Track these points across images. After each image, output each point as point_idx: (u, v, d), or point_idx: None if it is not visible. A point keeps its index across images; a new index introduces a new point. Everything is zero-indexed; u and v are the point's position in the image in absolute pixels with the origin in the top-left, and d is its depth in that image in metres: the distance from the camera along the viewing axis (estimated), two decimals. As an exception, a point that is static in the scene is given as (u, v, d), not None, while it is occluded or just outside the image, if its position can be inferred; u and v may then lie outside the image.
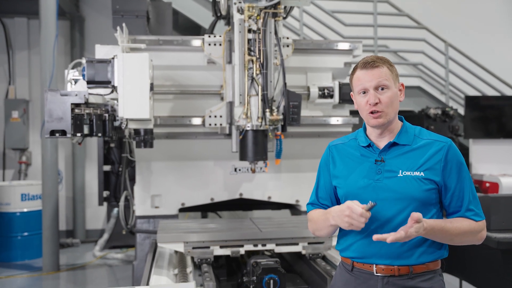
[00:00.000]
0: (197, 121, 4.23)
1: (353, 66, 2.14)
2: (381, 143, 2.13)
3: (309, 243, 3.56)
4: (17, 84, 8.66)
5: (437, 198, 2.08)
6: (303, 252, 3.58)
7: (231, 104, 4.01)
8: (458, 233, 2.01)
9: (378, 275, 2.06)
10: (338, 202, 2.25)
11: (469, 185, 2.07)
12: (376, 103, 2.04)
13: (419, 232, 1.89)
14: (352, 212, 1.92)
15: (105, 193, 6.09)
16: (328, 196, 2.26)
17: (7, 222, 7.32)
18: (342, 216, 1.96)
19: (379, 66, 2.06)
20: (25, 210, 7.39)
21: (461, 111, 8.38)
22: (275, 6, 3.78)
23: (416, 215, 1.87)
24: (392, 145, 2.10)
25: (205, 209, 5.01)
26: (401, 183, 2.03)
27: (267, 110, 3.77)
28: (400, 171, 2.05)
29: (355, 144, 2.20)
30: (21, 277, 6.52)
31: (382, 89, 2.05)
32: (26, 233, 7.38)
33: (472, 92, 8.88)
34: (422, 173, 2.03)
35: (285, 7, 4.14)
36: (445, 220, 2.04)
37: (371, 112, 2.05)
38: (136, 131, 3.97)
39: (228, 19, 4.30)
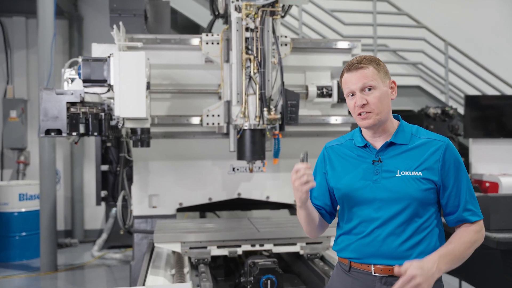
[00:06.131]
0: (194, 120, 4.20)
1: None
2: (378, 143, 2.10)
3: (307, 243, 3.54)
4: (15, 84, 8.64)
5: (436, 197, 2.05)
6: (301, 252, 3.56)
7: (228, 103, 3.99)
8: (466, 254, 1.98)
9: (376, 275, 2.03)
10: (332, 203, 2.24)
11: (466, 184, 2.04)
12: (364, 105, 2.01)
13: (433, 278, 1.85)
14: (292, 175, 2.00)
15: (103, 193, 6.04)
16: (321, 196, 2.24)
17: (5, 222, 7.30)
18: (292, 186, 2.01)
19: (363, 67, 2.03)
20: (23, 210, 7.37)
21: (461, 110, 8.35)
22: (272, 4, 3.75)
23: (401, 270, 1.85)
24: (389, 145, 2.07)
25: (203, 209, 4.99)
26: (399, 183, 2.01)
27: (265, 109, 3.74)
28: (398, 171, 2.02)
29: (351, 144, 2.17)
30: (19, 277, 6.49)
31: (369, 89, 2.02)
32: (24, 233, 7.36)
33: (472, 92, 8.86)
34: (420, 173, 2.00)
35: (283, 6, 4.12)
36: (448, 249, 1.96)
37: (359, 114, 2.03)
38: (133, 130, 3.94)
39: (226, 18, 4.27)
